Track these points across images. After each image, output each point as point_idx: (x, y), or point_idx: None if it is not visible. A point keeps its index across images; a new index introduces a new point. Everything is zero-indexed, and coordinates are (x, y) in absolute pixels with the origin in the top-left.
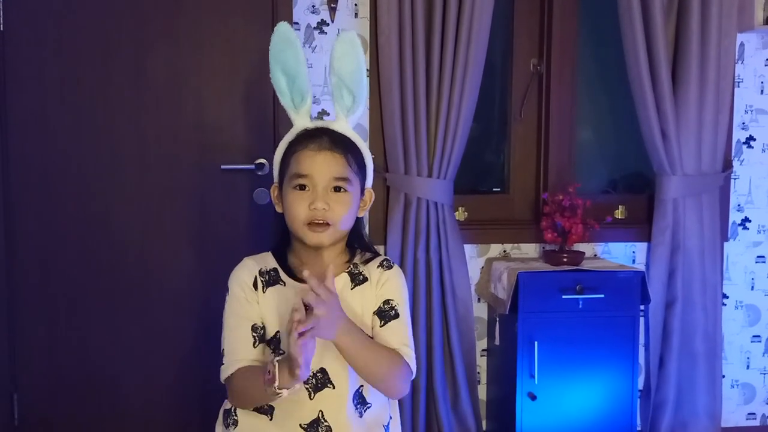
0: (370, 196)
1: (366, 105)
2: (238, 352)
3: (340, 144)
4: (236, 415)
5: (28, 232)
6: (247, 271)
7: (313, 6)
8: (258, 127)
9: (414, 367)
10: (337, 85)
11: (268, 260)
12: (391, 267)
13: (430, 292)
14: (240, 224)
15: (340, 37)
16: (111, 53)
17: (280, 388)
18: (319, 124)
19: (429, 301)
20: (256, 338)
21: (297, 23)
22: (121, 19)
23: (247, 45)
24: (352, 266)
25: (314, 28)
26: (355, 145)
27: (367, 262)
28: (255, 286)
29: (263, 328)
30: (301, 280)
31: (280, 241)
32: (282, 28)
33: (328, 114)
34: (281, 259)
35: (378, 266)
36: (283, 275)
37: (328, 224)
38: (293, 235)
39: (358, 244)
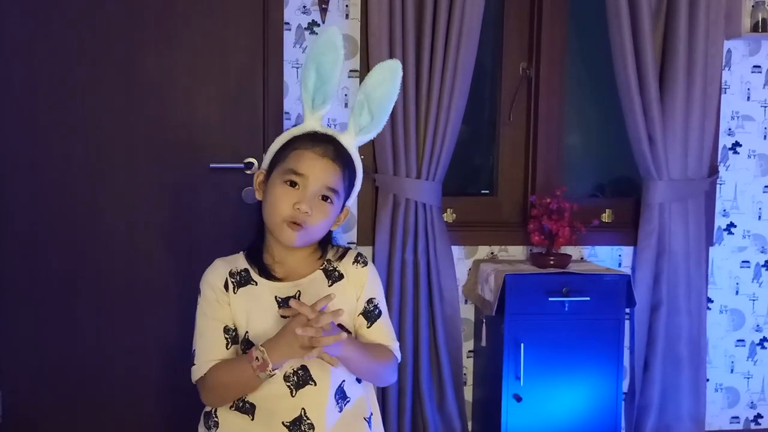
0: (345, 213)
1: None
2: (210, 353)
3: (343, 157)
4: (217, 417)
5: (15, 229)
6: (217, 273)
7: (304, 7)
8: (247, 126)
9: (399, 356)
10: (361, 102)
11: (239, 261)
12: (366, 263)
13: (418, 293)
14: (228, 223)
15: (383, 64)
16: (102, 52)
17: (273, 369)
18: (329, 131)
19: (416, 302)
20: (229, 340)
21: (288, 24)
22: (113, 19)
23: (237, 45)
24: (326, 263)
25: (305, 28)
26: (354, 163)
27: (340, 258)
28: (226, 287)
29: (235, 329)
30: (274, 279)
31: (255, 238)
32: (331, 32)
33: None
34: (254, 259)
35: (354, 262)
36: (254, 275)
37: (302, 227)
38: (268, 231)
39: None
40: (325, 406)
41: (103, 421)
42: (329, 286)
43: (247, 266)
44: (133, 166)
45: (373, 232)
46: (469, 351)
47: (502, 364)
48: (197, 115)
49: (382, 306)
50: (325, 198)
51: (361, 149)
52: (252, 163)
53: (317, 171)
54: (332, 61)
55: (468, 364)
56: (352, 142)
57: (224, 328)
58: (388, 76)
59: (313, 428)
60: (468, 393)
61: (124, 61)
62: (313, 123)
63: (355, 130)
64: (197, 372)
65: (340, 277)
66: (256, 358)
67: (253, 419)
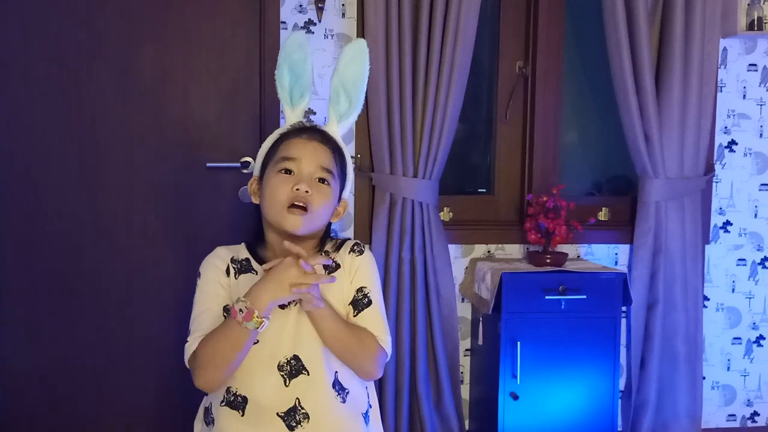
0: (344, 206)
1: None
2: (206, 329)
3: (331, 142)
4: (212, 413)
5: (12, 230)
6: (219, 258)
7: (301, 6)
8: (244, 125)
9: (389, 351)
10: (336, 88)
11: (240, 250)
12: (363, 251)
13: (415, 292)
14: (224, 222)
15: (352, 43)
16: (98, 51)
17: (260, 317)
18: (312, 123)
19: (413, 301)
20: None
21: (284, 23)
22: (109, 18)
23: (234, 44)
24: (323, 254)
25: (301, 27)
26: (341, 150)
27: (338, 248)
28: (227, 272)
29: None
30: None
31: (254, 236)
32: (297, 34)
33: (315, 113)
34: (253, 251)
35: (350, 252)
36: (255, 264)
37: (306, 210)
38: (268, 228)
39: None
40: (324, 396)
41: (103, 421)
42: (326, 275)
43: (248, 255)
44: (129, 166)
45: (369, 230)
46: (466, 349)
47: (498, 363)
48: (194, 114)
49: (374, 296)
50: (321, 180)
51: (358, 148)
52: (248, 162)
53: (309, 153)
54: (302, 58)
55: (465, 362)
56: (335, 129)
57: (224, 307)
58: (358, 53)
59: (308, 418)
60: (465, 391)
61: (120, 60)
62: (294, 118)
63: (336, 118)
64: (189, 349)
65: (337, 267)
66: (240, 310)
67: (243, 414)
